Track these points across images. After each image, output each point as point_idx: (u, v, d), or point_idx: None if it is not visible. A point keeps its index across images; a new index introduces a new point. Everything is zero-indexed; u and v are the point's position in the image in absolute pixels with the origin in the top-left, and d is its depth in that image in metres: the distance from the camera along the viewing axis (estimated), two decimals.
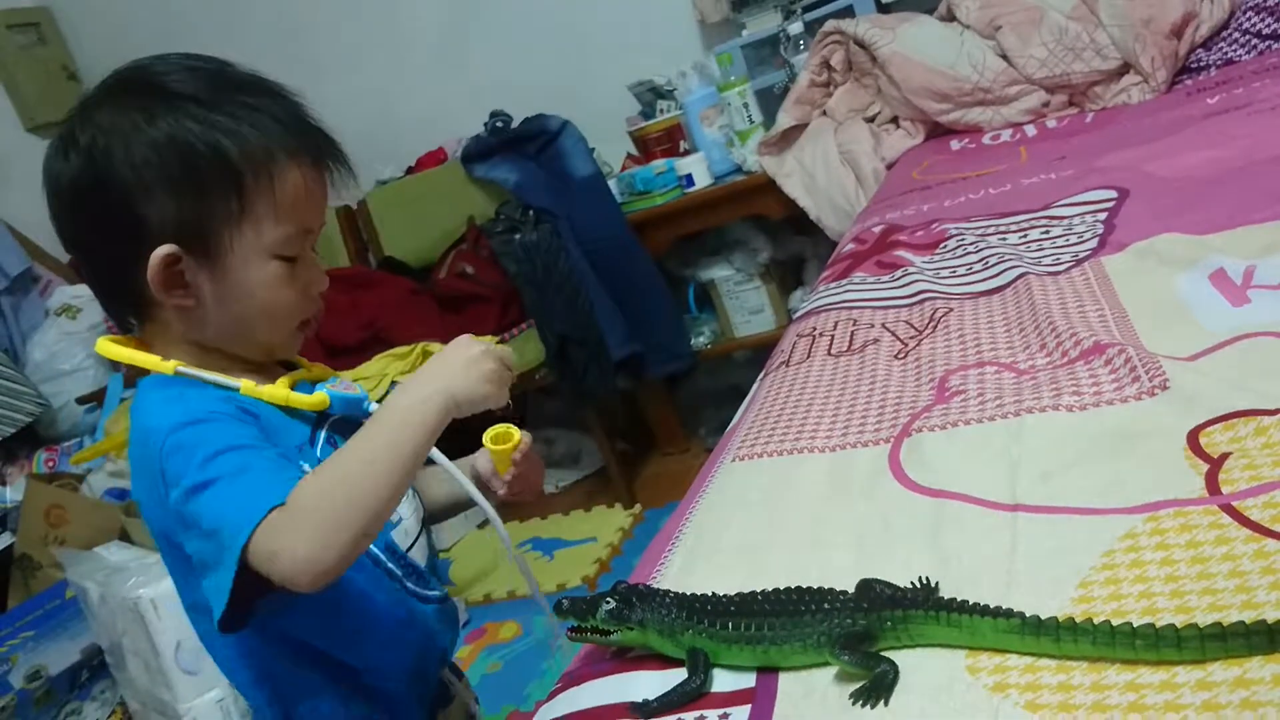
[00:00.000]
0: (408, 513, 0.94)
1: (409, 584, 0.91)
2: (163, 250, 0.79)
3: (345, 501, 0.72)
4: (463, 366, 0.81)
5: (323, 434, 0.88)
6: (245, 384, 0.84)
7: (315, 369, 0.95)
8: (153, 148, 0.78)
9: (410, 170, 3.12)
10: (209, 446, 0.75)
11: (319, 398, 0.86)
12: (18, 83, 3.34)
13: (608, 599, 0.71)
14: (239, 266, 0.82)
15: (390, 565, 0.90)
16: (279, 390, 0.85)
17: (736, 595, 0.69)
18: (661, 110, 2.77)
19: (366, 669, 0.89)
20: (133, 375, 3.07)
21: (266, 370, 0.90)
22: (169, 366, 0.83)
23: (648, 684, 0.69)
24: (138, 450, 0.82)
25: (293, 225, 0.83)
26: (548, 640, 1.03)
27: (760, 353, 2.63)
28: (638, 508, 2.66)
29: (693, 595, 0.70)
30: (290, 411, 0.86)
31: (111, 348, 0.86)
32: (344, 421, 0.89)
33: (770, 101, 2.57)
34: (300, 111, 0.85)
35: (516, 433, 0.92)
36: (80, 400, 2.88)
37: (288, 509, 0.70)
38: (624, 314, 2.61)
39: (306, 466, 0.81)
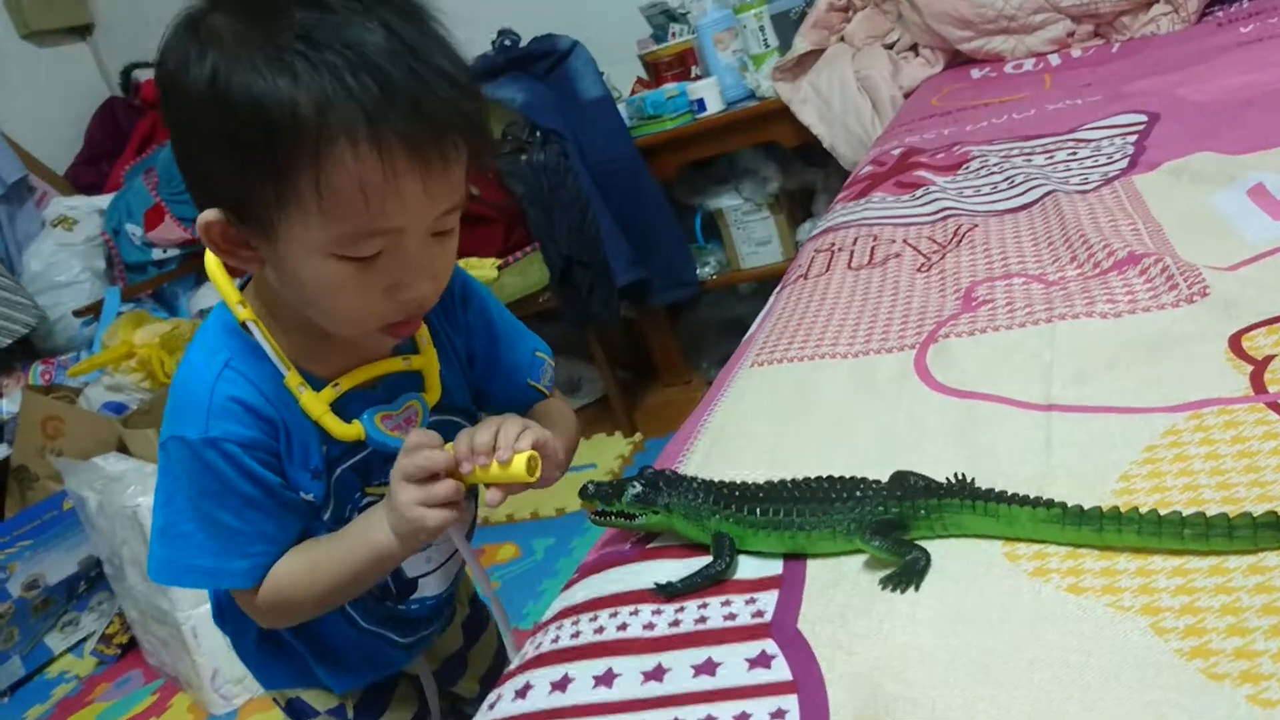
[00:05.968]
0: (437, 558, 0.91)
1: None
2: (205, 217, 0.67)
3: (303, 604, 0.78)
4: (410, 535, 0.74)
5: (348, 465, 0.79)
6: (291, 377, 0.73)
7: (415, 361, 0.81)
8: (198, 95, 0.63)
9: None
10: (181, 494, 0.74)
11: (354, 429, 0.75)
12: None
13: (634, 483, 0.69)
14: (292, 255, 0.67)
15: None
16: (315, 406, 0.74)
17: (765, 483, 0.67)
18: (674, 34, 2.70)
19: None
20: (129, 291, 3.04)
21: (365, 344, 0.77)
22: (243, 315, 0.74)
23: (670, 571, 0.67)
24: (174, 383, 0.76)
25: (350, 225, 0.63)
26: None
27: (766, 285, 2.59)
28: (638, 436, 2.65)
29: (720, 481, 0.69)
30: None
31: (211, 263, 0.76)
32: (379, 456, 0.79)
33: (786, 26, 2.51)
34: (386, 70, 0.61)
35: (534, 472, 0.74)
36: (77, 313, 2.85)
37: (259, 595, 0.76)
38: (630, 239, 2.57)
39: (309, 496, 0.76)
